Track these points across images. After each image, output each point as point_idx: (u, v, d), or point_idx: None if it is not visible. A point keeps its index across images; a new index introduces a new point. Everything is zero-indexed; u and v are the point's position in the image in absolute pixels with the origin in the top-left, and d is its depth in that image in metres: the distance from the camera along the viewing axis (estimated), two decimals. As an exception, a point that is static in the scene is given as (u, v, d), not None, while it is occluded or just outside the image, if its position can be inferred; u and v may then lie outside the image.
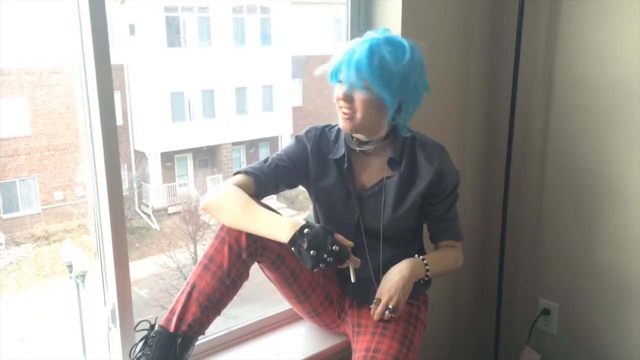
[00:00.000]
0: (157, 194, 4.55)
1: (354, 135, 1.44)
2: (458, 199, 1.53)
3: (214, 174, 4.82)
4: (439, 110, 1.98)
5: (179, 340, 1.29)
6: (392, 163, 1.45)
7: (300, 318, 1.71)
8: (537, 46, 1.97)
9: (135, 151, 4.39)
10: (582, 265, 1.97)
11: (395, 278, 1.42)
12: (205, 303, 1.30)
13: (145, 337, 1.32)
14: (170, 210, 4.47)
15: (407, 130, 1.44)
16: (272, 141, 4.74)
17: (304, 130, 1.52)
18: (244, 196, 1.32)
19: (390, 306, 1.40)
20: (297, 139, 1.50)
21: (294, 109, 4.90)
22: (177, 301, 1.32)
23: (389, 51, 1.31)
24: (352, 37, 1.81)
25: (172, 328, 1.29)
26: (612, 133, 1.83)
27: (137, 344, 1.32)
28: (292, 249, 1.24)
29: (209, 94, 4.73)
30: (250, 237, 1.31)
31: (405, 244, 1.52)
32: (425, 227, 1.59)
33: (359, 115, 1.35)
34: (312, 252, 1.22)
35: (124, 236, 1.42)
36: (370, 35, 1.35)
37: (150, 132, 4.46)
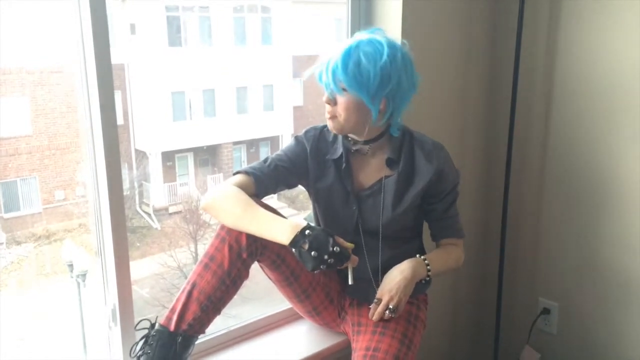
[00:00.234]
0: (158, 193, 4.56)
1: (349, 135, 1.45)
2: (458, 197, 1.53)
3: (215, 173, 4.83)
4: (439, 110, 1.98)
5: (179, 339, 1.29)
6: (390, 162, 1.45)
7: (301, 317, 1.71)
8: (538, 45, 1.97)
9: (136, 150, 4.40)
10: (582, 265, 1.97)
11: (396, 279, 1.42)
12: (205, 302, 1.30)
13: (146, 336, 1.32)
14: (171, 209, 4.48)
15: (397, 130, 1.44)
16: (273, 140, 4.75)
17: (303, 131, 1.52)
18: (244, 197, 1.32)
19: (390, 306, 1.40)
20: (297, 139, 1.50)
21: (295, 108, 4.91)
22: (177, 300, 1.32)
23: (366, 52, 1.31)
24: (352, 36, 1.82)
25: (172, 327, 1.29)
26: (612, 132, 1.83)
27: (137, 343, 1.33)
28: (293, 250, 1.24)
29: (209, 94, 4.73)
30: (251, 236, 1.32)
31: (404, 243, 1.52)
32: (425, 225, 1.59)
33: (341, 117, 1.37)
34: (313, 253, 1.22)
35: (125, 235, 1.43)
36: (358, 36, 1.36)
37: (151, 132, 4.46)
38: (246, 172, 1.39)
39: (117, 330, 1.47)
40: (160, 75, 4.34)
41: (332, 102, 1.36)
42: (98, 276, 1.48)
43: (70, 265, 3.04)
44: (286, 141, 1.52)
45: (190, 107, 4.63)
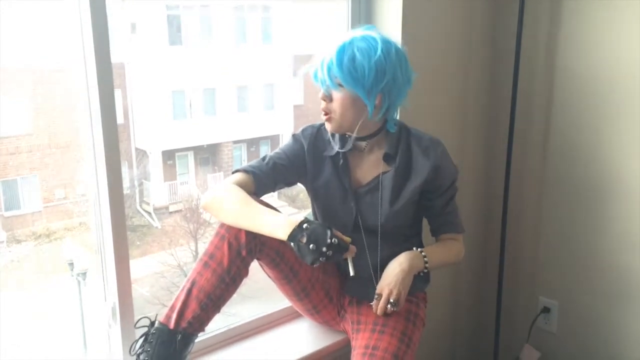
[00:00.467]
0: (158, 192, 4.56)
1: (346, 133, 1.45)
2: (457, 192, 1.53)
3: (215, 172, 4.83)
4: (440, 107, 1.98)
5: (179, 337, 1.30)
6: (387, 158, 1.46)
7: (300, 315, 1.71)
8: (538, 43, 1.97)
9: (137, 149, 4.40)
10: (583, 264, 1.97)
11: (394, 271, 1.42)
12: (205, 300, 1.31)
13: (146, 334, 1.32)
14: (171, 208, 4.48)
15: (394, 125, 1.45)
16: (273, 139, 4.75)
17: (301, 129, 1.53)
18: (243, 194, 1.33)
19: (391, 300, 1.41)
20: (294, 137, 1.51)
21: (295, 107, 4.91)
22: (177, 298, 1.32)
23: (360, 47, 1.32)
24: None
25: (172, 325, 1.30)
26: (613, 131, 1.83)
27: (137, 341, 1.33)
28: (292, 244, 1.25)
29: (210, 92, 4.73)
30: (250, 234, 1.32)
31: (404, 241, 1.52)
32: (425, 221, 1.59)
33: (337, 114, 1.37)
34: (311, 246, 1.23)
35: (125, 234, 1.43)
36: (351, 33, 1.37)
37: (151, 130, 4.46)
38: (245, 171, 1.40)
39: (117, 328, 1.47)
40: (160, 74, 4.34)
41: (328, 98, 1.37)
42: (98, 274, 1.48)
43: (71, 264, 3.04)
44: (286, 140, 1.53)
45: (190, 105, 4.63)
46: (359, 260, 1.51)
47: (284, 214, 1.31)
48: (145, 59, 4.30)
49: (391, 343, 1.38)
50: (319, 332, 1.66)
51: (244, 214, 1.30)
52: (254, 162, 1.45)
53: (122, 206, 1.40)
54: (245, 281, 1.39)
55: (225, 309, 1.38)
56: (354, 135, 1.43)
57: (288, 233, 1.24)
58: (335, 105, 1.37)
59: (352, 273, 1.30)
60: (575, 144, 1.93)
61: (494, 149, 2.14)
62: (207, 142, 4.79)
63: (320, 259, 1.23)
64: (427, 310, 1.60)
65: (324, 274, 1.52)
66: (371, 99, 1.35)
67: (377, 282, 1.47)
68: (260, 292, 2.00)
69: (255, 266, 1.41)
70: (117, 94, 1.36)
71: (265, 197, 1.44)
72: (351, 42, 1.33)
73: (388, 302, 1.41)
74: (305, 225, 1.24)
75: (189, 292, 1.31)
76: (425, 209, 1.53)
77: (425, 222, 1.60)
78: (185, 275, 1.37)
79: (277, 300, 1.72)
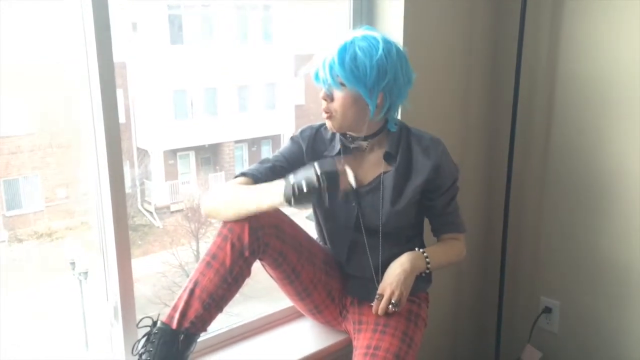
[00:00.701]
0: (159, 191, 4.56)
1: (347, 132, 1.45)
2: (458, 192, 1.53)
3: (217, 171, 4.83)
4: (442, 108, 1.98)
5: (182, 337, 1.30)
6: (388, 157, 1.46)
7: (302, 315, 1.71)
8: (540, 44, 1.97)
9: (138, 149, 4.40)
10: (584, 263, 1.97)
11: (396, 272, 1.42)
12: (207, 300, 1.31)
13: (148, 334, 1.32)
14: (173, 207, 4.48)
15: (394, 125, 1.45)
16: (274, 139, 4.75)
17: (299, 130, 1.53)
18: (232, 186, 1.34)
19: (393, 300, 1.41)
20: (292, 139, 1.52)
21: (297, 107, 4.91)
22: (179, 298, 1.32)
23: (362, 47, 1.33)
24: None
25: (174, 325, 1.30)
26: (614, 130, 1.83)
27: (139, 340, 1.33)
28: (292, 201, 1.22)
29: (211, 92, 4.73)
30: (253, 234, 1.32)
31: (406, 242, 1.52)
32: (426, 221, 1.59)
33: (339, 113, 1.37)
34: (305, 189, 1.20)
35: (127, 233, 1.43)
36: (352, 33, 1.37)
37: (152, 130, 4.46)
38: (244, 174, 1.40)
39: (119, 327, 1.47)
40: (162, 74, 4.34)
41: (329, 98, 1.37)
42: (100, 274, 1.48)
43: (72, 263, 3.05)
44: (286, 142, 1.53)
45: (192, 105, 4.63)
46: (360, 260, 1.52)
47: (272, 184, 1.30)
48: (146, 58, 4.30)
49: (393, 343, 1.38)
50: (321, 332, 1.66)
51: (236, 200, 1.31)
52: (253, 165, 1.45)
53: (124, 205, 1.40)
54: (247, 281, 1.39)
55: (227, 308, 1.38)
56: (361, 134, 1.43)
57: (282, 192, 1.23)
58: (337, 105, 1.37)
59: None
60: (576, 145, 1.93)
61: (496, 150, 2.14)
62: (209, 141, 4.79)
63: (322, 194, 1.20)
64: (428, 310, 1.60)
65: (326, 275, 1.52)
66: (373, 98, 1.35)
67: (378, 283, 1.47)
68: (261, 291, 2.00)
69: (257, 266, 1.41)
70: (119, 93, 1.36)
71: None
72: (352, 42, 1.34)
73: (389, 302, 1.41)
74: (290, 177, 1.24)
75: (192, 292, 1.31)
76: (426, 209, 1.53)
77: (426, 222, 1.60)
78: (187, 275, 1.38)
79: (279, 300, 1.72)
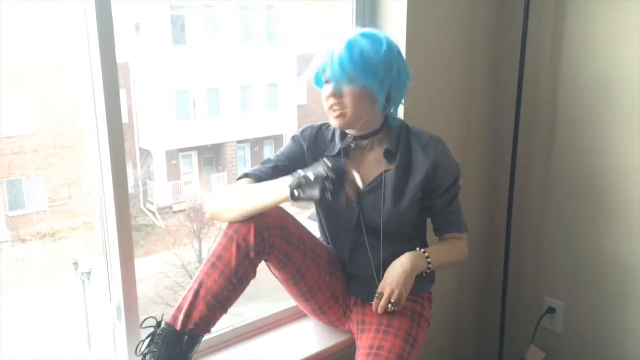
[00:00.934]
0: (162, 191, 4.56)
1: (346, 131, 1.46)
2: (459, 191, 1.53)
3: (219, 171, 4.83)
4: (444, 108, 1.98)
5: (186, 338, 1.30)
6: (388, 154, 1.46)
7: (305, 315, 1.71)
8: (543, 43, 1.97)
9: (141, 149, 4.40)
10: (588, 263, 1.96)
11: (396, 271, 1.42)
12: (212, 301, 1.30)
13: (152, 334, 1.32)
14: (175, 207, 4.48)
15: (395, 119, 1.47)
16: (277, 139, 4.75)
17: (300, 130, 1.54)
18: (236, 186, 1.34)
19: (392, 300, 1.41)
20: (293, 138, 1.52)
21: (299, 107, 4.91)
22: (184, 299, 1.32)
23: (367, 42, 1.35)
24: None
25: (178, 326, 1.30)
26: (618, 129, 1.82)
27: (143, 341, 1.33)
28: (298, 191, 1.22)
29: (214, 92, 4.73)
30: (259, 235, 1.32)
31: (407, 241, 1.52)
32: (428, 221, 1.59)
33: (349, 109, 1.37)
34: (313, 177, 1.20)
35: (130, 233, 1.43)
36: (350, 32, 1.38)
37: (155, 130, 4.47)
38: (247, 175, 1.41)
39: (122, 327, 1.47)
40: (164, 74, 4.35)
41: (338, 94, 1.36)
42: (103, 274, 1.48)
43: (75, 263, 3.05)
44: (287, 141, 1.54)
45: (194, 105, 4.63)
46: (362, 260, 1.51)
47: (277, 179, 1.30)
48: (149, 58, 4.31)
49: (395, 343, 1.38)
50: (324, 332, 1.66)
51: (244, 199, 1.31)
52: (255, 166, 1.45)
53: (127, 205, 1.40)
54: (251, 281, 1.39)
55: (230, 309, 1.38)
56: (365, 131, 1.44)
57: (287, 185, 1.23)
58: (347, 100, 1.37)
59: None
60: (580, 145, 1.92)
61: (499, 149, 2.14)
62: (211, 141, 4.79)
63: (327, 185, 1.19)
64: (431, 310, 1.60)
65: (330, 275, 1.52)
66: (382, 92, 1.37)
67: (379, 282, 1.47)
68: (264, 292, 2.00)
69: (261, 266, 1.41)
70: (122, 93, 1.36)
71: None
72: (356, 39, 1.35)
73: (389, 301, 1.41)
74: (298, 171, 1.24)
75: (196, 293, 1.31)
76: (428, 208, 1.53)
77: (428, 221, 1.60)
78: (189, 275, 1.37)
79: (282, 299, 1.72)
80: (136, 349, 1.33)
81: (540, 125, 2.01)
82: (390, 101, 1.41)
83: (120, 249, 1.41)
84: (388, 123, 1.46)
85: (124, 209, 1.40)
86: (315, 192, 1.20)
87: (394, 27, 1.80)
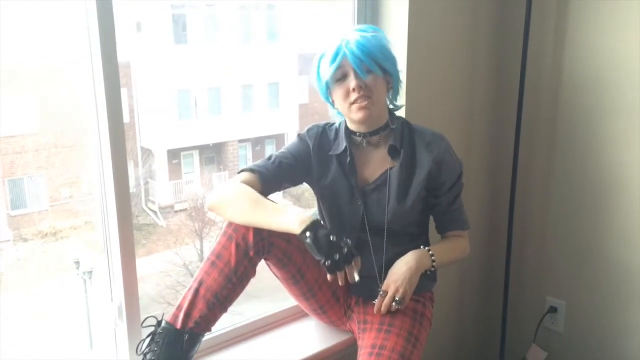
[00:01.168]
0: (163, 190, 4.56)
1: (352, 129, 1.46)
2: (462, 188, 1.53)
3: (220, 170, 4.82)
4: (446, 106, 1.98)
5: (186, 337, 1.30)
6: (392, 151, 1.46)
7: (306, 315, 1.71)
8: (545, 40, 1.96)
9: (142, 148, 4.40)
10: (590, 263, 1.96)
11: (401, 270, 1.42)
12: (212, 300, 1.30)
13: (152, 333, 1.32)
14: (177, 207, 4.48)
15: (397, 117, 1.50)
16: (278, 138, 4.74)
17: (306, 128, 1.54)
18: (251, 191, 1.33)
19: (396, 298, 1.41)
20: (299, 136, 1.52)
21: (300, 106, 4.90)
22: (184, 298, 1.32)
23: (375, 36, 1.38)
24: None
25: (179, 325, 1.30)
26: (621, 128, 1.82)
27: (144, 340, 1.33)
28: (308, 234, 1.23)
29: (215, 92, 4.73)
30: (258, 234, 1.32)
31: (410, 241, 1.52)
32: (431, 218, 1.59)
33: (375, 99, 1.39)
34: (332, 237, 1.22)
35: (131, 233, 1.43)
36: (351, 29, 1.41)
37: (156, 129, 4.46)
38: (251, 170, 1.40)
39: (123, 327, 1.47)
40: (166, 73, 4.34)
41: (362, 85, 1.36)
42: (104, 273, 1.48)
43: (77, 263, 3.05)
44: (291, 139, 1.53)
45: (195, 104, 4.62)
46: (364, 259, 1.51)
47: (296, 210, 1.31)
48: (150, 58, 4.30)
49: (398, 343, 1.38)
50: (325, 332, 1.66)
51: (254, 211, 1.30)
52: (259, 161, 1.45)
53: (129, 205, 1.41)
54: (251, 280, 1.39)
55: (231, 308, 1.38)
56: (377, 126, 1.46)
57: (303, 227, 1.23)
58: (372, 90, 1.38)
59: (357, 278, 1.29)
60: (582, 143, 1.92)
61: (501, 148, 2.13)
62: (213, 141, 4.79)
63: (336, 254, 1.21)
64: (433, 309, 1.60)
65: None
66: (398, 77, 1.44)
67: (381, 283, 1.46)
68: (264, 291, 2.00)
69: (261, 265, 1.41)
70: (123, 92, 1.36)
71: (271, 195, 1.43)
72: (359, 31, 1.38)
73: (393, 299, 1.41)
74: (322, 222, 1.25)
75: (196, 292, 1.31)
76: (431, 207, 1.53)
77: (430, 220, 1.59)
78: (191, 274, 1.37)
79: (283, 299, 1.72)
80: (137, 348, 1.34)
81: (542, 124, 2.01)
82: (394, 89, 1.46)
83: (121, 248, 1.41)
84: (391, 119, 1.47)
85: (125, 208, 1.40)
86: (322, 250, 1.22)
87: (396, 26, 1.80)
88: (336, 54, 1.36)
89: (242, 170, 1.41)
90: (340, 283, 1.28)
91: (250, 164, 1.45)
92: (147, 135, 4.39)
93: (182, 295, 1.35)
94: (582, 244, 1.97)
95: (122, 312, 1.46)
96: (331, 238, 1.23)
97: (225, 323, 1.62)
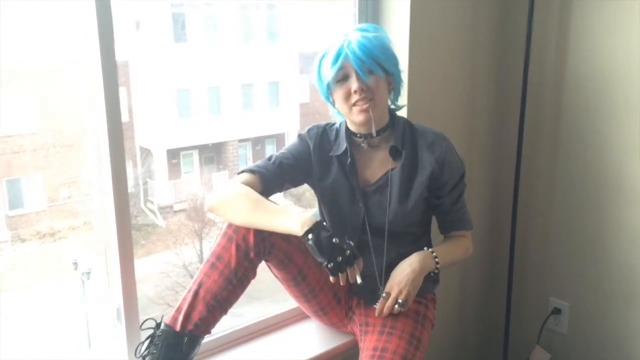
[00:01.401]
0: (162, 191, 4.55)
1: (354, 130, 1.45)
2: (465, 188, 1.52)
3: (220, 170, 4.81)
4: (448, 105, 1.97)
5: (185, 339, 1.28)
6: (394, 152, 1.44)
7: (307, 316, 1.70)
8: (547, 40, 1.95)
9: (141, 148, 4.38)
10: (594, 264, 1.94)
11: (405, 271, 1.41)
12: (212, 302, 1.29)
13: (152, 336, 1.31)
14: (176, 207, 4.46)
15: (398, 117, 1.48)
16: (279, 138, 4.73)
17: (306, 129, 1.52)
18: (252, 193, 1.32)
19: (399, 300, 1.39)
20: (300, 137, 1.51)
21: (301, 105, 4.89)
22: (183, 300, 1.31)
23: (376, 35, 1.36)
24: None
25: (178, 327, 1.28)
26: (625, 128, 1.81)
27: (143, 343, 1.32)
28: (310, 236, 1.21)
29: (215, 91, 4.72)
30: (259, 235, 1.30)
31: (412, 242, 1.51)
32: (432, 220, 1.58)
33: (376, 100, 1.37)
34: (335, 239, 1.21)
35: (130, 233, 1.42)
36: (352, 28, 1.39)
37: (155, 129, 4.45)
38: (252, 171, 1.38)
39: (122, 328, 1.46)
40: (165, 72, 4.33)
41: (364, 87, 1.35)
42: (103, 274, 1.47)
43: (75, 263, 3.03)
44: (292, 138, 1.52)
45: (195, 104, 4.61)
46: (367, 261, 1.50)
47: (297, 212, 1.31)
48: (149, 57, 4.29)
49: (400, 345, 1.37)
50: (326, 334, 1.65)
51: (255, 212, 1.29)
52: (260, 162, 1.43)
53: (127, 205, 1.39)
54: (252, 281, 1.37)
55: (231, 309, 1.36)
56: (379, 126, 1.44)
57: (306, 228, 1.22)
58: (373, 91, 1.37)
59: (359, 280, 1.28)
60: (586, 144, 1.90)
61: (503, 148, 2.12)
62: (212, 140, 4.78)
63: (338, 256, 1.20)
64: (435, 311, 1.59)
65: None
66: (399, 77, 1.41)
67: (382, 285, 1.45)
68: (265, 292, 1.98)
69: (261, 266, 1.39)
70: (122, 92, 1.35)
71: (271, 196, 1.42)
72: (360, 31, 1.35)
73: (395, 301, 1.40)
74: (324, 224, 1.23)
75: (196, 294, 1.29)
76: (434, 207, 1.52)
77: (432, 220, 1.58)
78: (191, 275, 1.36)
79: (283, 300, 1.71)
80: (136, 350, 1.32)
81: (545, 124, 2.00)
82: (395, 90, 1.44)
83: (120, 249, 1.40)
84: (393, 120, 1.46)
85: (124, 209, 1.39)
86: (325, 252, 1.21)
87: (397, 25, 1.79)
88: (338, 55, 1.34)
89: (242, 171, 1.40)
90: (341, 283, 1.27)
91: (250, 163, 1.44)
92: (146, 134, 4.37)
93: (181, 296, 1.33)
94: (585, 244, 1.96)
95: (121, 315, 1.45)
96: (334, 240, 1.22)
97: (225, 325, 1.60)
